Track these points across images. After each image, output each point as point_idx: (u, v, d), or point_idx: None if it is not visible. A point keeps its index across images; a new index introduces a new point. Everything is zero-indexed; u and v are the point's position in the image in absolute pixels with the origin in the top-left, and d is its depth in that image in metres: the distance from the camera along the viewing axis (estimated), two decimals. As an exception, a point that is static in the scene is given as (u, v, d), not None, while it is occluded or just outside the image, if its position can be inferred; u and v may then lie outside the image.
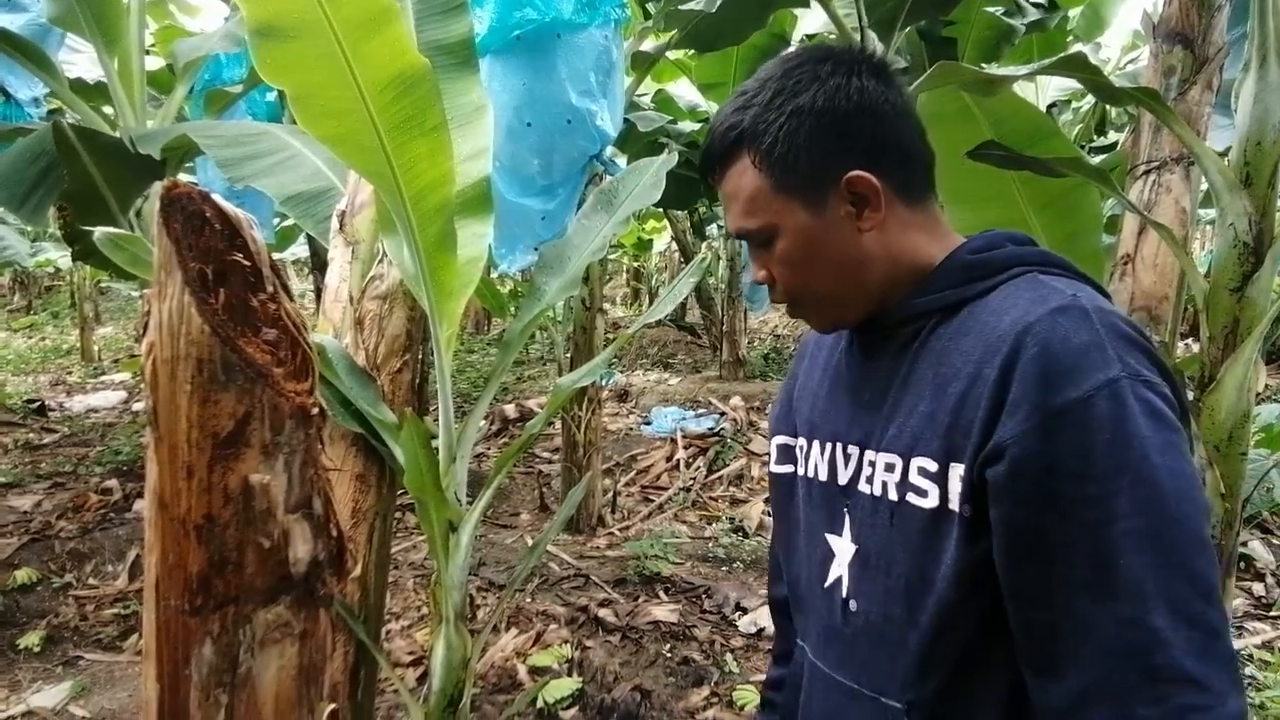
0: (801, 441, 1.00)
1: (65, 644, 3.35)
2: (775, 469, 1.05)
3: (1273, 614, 3.40)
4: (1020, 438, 0.71)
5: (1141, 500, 0.69)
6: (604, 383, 5.66)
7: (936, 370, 0.82)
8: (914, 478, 0.81)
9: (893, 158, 0.86)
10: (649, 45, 4.61)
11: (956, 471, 0.77)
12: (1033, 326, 0.74)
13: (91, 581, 3.81)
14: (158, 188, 0.87)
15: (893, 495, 0.83)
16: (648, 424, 6.22)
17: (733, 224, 0.90)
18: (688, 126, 6.79)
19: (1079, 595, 0.70)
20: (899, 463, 0.83)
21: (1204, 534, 0.71)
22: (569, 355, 4.56)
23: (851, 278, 0.87)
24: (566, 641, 3.19)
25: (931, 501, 0.79)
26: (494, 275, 7.25)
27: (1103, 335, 0.73)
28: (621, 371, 8.58)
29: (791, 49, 0.99)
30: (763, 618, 3.42)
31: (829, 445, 0.94)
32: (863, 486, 0.88)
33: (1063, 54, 1.71)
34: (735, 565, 4.04)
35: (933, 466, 0.79)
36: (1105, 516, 0.69)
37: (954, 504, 0.77)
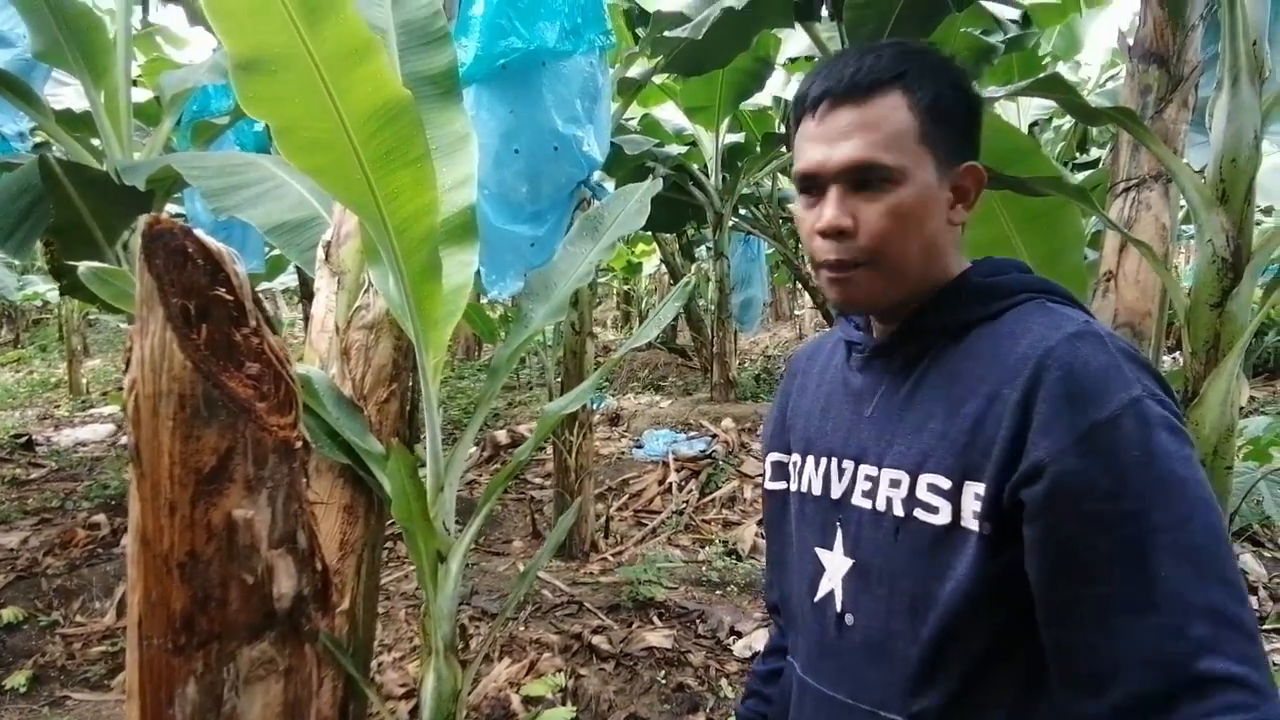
0: (795, 457, 1.00)
1: (52, 683, 3.29)
2: (769, 485, 1.05)
3: (1265, 627, 3.40)
4: (1058, 457, 0.73)
5: (1175, 514, 0.71)
6: (595, 406, 5.65)
7: (948, 390, 0.83)
8: (923, 494, 0.82)
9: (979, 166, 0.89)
10: (636, 70, 4.66)
11: (972, 489, 0.78)
12: (1053, 350, 0.76)
13: (79, 619, 3.76)
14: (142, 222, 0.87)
15: (898, 510, 0.84)
16: (639, 447, 6.19)
17: (857, 152, 0.83)
18: (674, 149, 6.85)
19: (1120, 612, 0.72)
20: (906, 479, 0.83)
21: (1229, 541, 0.74)
22: (559, 380, 4.55)
23: (926, 258, 0.86)
24: (560, 670, 3.16)
25: (943, 518, 0.80)
26: (483, 301, 7.27)
27: (1119, 358, 0.76)
28: (612, 395, 8.57)
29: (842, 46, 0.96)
30: (757, 641, 3.39)
31: (824, 460, 0.94)
32: (858, 501, 0.88)
33: (1041, 75, 1.74)
34: (729, 588, 4.02)
35: (945, 484, 0.80)
36: (1142, 532, 0.71)
37: (967, 521, 0.78)
